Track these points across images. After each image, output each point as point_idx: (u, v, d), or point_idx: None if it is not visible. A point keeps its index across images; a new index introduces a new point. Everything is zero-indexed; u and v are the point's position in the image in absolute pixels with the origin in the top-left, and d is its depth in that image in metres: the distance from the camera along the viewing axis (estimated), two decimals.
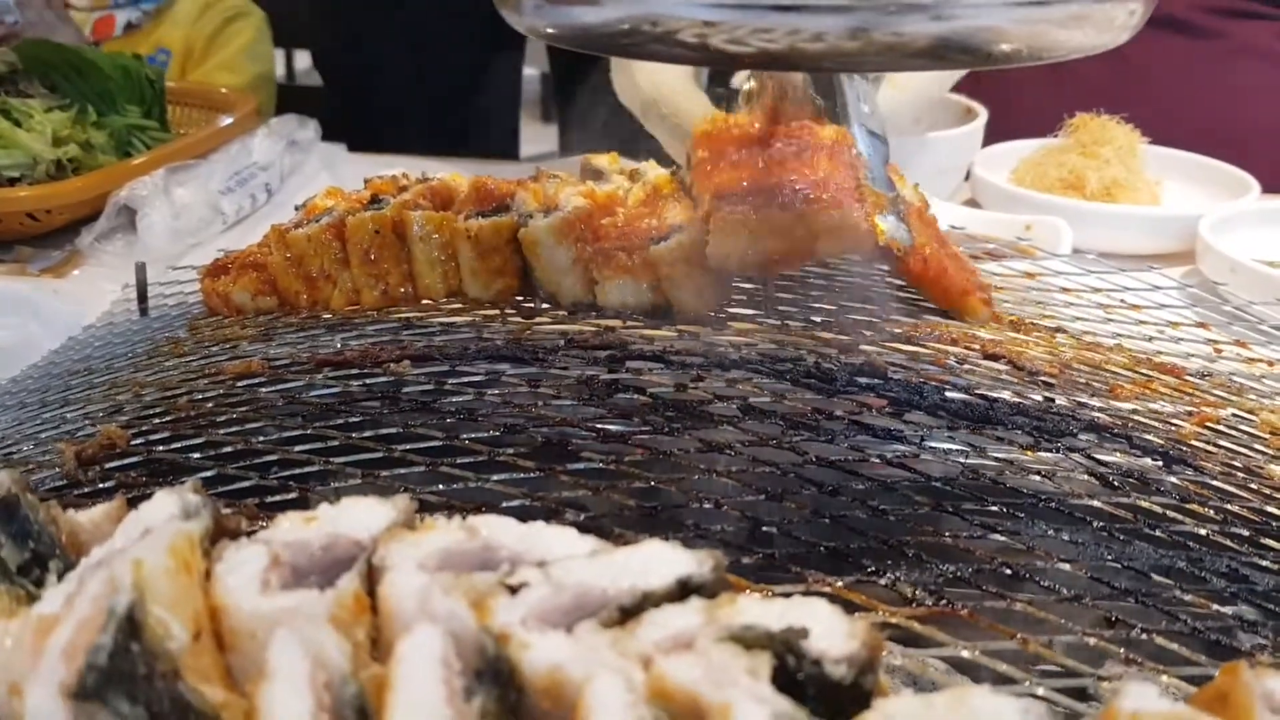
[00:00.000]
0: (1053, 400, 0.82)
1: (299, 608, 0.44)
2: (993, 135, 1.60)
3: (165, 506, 0.51)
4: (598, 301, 0.95)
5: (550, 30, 0.65)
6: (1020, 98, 1.73)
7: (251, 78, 2.17)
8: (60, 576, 0.50)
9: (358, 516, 0.50)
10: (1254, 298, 1.10)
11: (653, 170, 1.06)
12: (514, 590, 0.45)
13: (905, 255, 0.94)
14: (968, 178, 1.58)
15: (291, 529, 0.49)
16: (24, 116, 1.57)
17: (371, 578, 0.47)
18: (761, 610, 0.44)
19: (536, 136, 2.64)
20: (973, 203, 1.53)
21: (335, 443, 0.74)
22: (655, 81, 1.28)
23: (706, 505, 0.68)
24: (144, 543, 0.46)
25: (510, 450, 0.72)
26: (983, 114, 1.59)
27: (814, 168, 0.89)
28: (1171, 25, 1.73)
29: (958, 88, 1.62)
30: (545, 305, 0.98)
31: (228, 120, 1.73)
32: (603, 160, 1.11)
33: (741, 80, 1.11)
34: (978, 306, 0.97)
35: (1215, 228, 1.30)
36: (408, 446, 0.73)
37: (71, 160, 1.55)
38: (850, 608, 0.56)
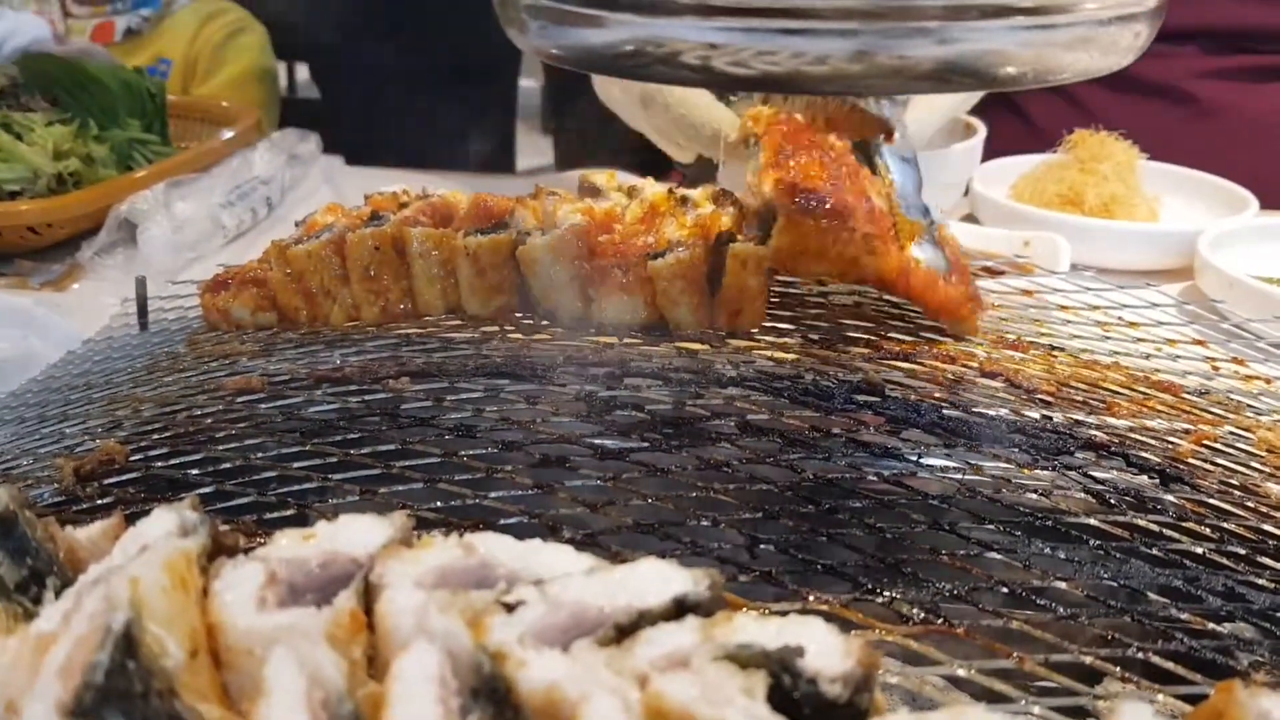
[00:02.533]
0: (1050, 418, 0.82)
1: (296, 625, 0.45)
2: (992, 151, 1.61)
3: (163, 523, 0.51)
4: (595, 318, 0.96)
5: (555, 51, 0.65)
6: (1019, 114, 1.74)
7: (258, 97, 2.19)
8: (58, 593, 0.50)
9: (355, 534, 0.51)
10: (1252, 314, 1.11)
11: (650, 187, 1.07)
12: (511, 608, 0.45)
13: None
14: (967, 193, 1.58)
15: (289, 546, 0.50)
16: (25, 130, 1.58)
17: (369, 595, 0.47)
18: (758, 629, 0.45)
19: (537, 148, 2.65)
20: (972, 218, 1.54)
21: (334, 459, 0.74)
22: None
23: (704, 522, 0.68)
24: (141, 560, 0.46)
25: (508, 467, 0.73)
26: (982, 130, 1.60)
27: (863, 192, 0.91)
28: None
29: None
30: (544, 322, 0.98)
31: (229, 134, 1.74)
32: (600, 177, 1.11)
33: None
34: (969, 318, 0.97)
35: (1214, 244, 1.30)
36: (406, 463, 0.73)
37: (73, 174, 1.55)
38: (847, 626, 0.56)
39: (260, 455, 0.75)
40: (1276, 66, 1.79)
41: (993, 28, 0.57)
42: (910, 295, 0.97)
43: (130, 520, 0.54)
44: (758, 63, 0.57)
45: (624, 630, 0.45)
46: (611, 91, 1.40)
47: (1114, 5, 0.61)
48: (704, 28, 0.57)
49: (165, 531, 0.50)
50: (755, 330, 0.96)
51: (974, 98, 1.54)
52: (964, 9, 0.56)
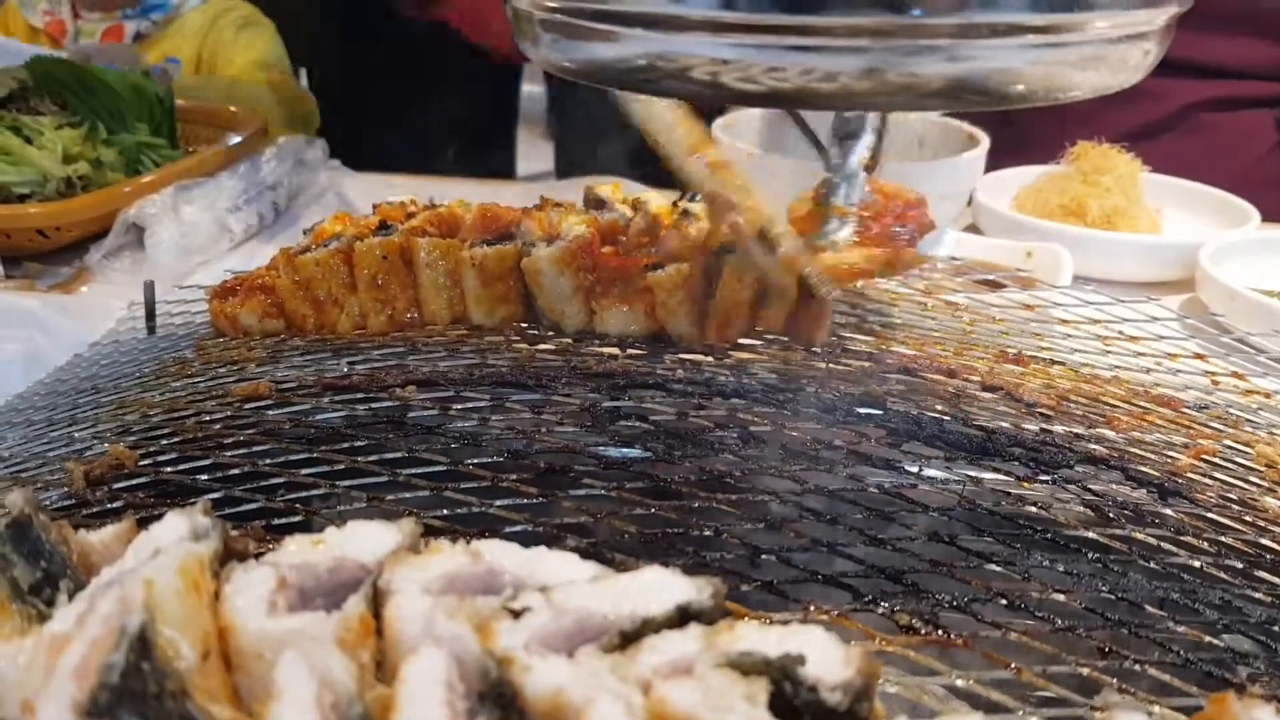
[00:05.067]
0: (1050, 432, 0.83)
1: (306, 629, 0.45)
2: (995, 162, 1.62)
3: (175, 528, 0.52)
4: (598, 329, 0.97)
5: (567, 65, 0.66)
6: (1022, 125, 1.75)
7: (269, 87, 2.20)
8: (71, 596, 0.51)
9: (364, 540, 0.51)
10: (1253, 328, 1.11)
11: (655, 200, 1.08)
12: (517, 614, 0.46)
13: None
14: (970, 204, 1.59)
15: (299, 552, 0.50)
16: (35, 134, 1.59)
17: (377, 601, 0.48)
18: (759, 637, 0.45)
19: (543, 154, 2.65)
20: (974, 229, 1.54)
21: (341, 466, 0.75)
22: None
23: (706, 532, 0.69)
24: (154, 564, 0.47)
25: (513, 475, 0.73)
26: (985, 141, 1.60)
27: None
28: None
29: (961, 114, 1.63)
30: (549, 332, 0.99)
31: (236, 139, 1.75)
32: (606, 189, 1.12)
33: None
34: (896, 261, 0.96)
35: (1215, 256, 1.31)
36: (412, 471, 0.74)
37: (81, 178, 1.56)
38: (847, 635, 0.57)
39: (268, 461, 0.76)
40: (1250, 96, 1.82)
41: (1004, 46, 0.58)
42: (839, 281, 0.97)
43: (141, 524, 0.55)
44: (766, 78, 0.58)
45: (628, 637, 0.46)
46: None
47: (1124, 24, 0.62)
48: (716, 44, 0.58)
49: (177, 536, 0.51)
50: (758, 343, 0.96)
51: None
52: (975, 27, 0.56)
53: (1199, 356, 1.02)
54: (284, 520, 0.69)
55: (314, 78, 2.53)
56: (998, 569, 0.67)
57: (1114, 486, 0.76)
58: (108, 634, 0.43)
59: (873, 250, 0.94)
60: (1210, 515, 0.74)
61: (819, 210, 0.92)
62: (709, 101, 0.62)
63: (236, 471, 0.75)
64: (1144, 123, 1.71)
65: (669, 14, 0.59)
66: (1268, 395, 0.96)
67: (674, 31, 0.59)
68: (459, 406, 0.83)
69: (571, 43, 0.65)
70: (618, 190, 1.11)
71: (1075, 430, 0.84)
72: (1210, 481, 0.79)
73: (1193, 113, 1.85)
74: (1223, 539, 0.71)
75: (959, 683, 0.57)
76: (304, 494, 0.73)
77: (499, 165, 2.38)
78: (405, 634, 0.46)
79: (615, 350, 0.94)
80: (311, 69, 2.53)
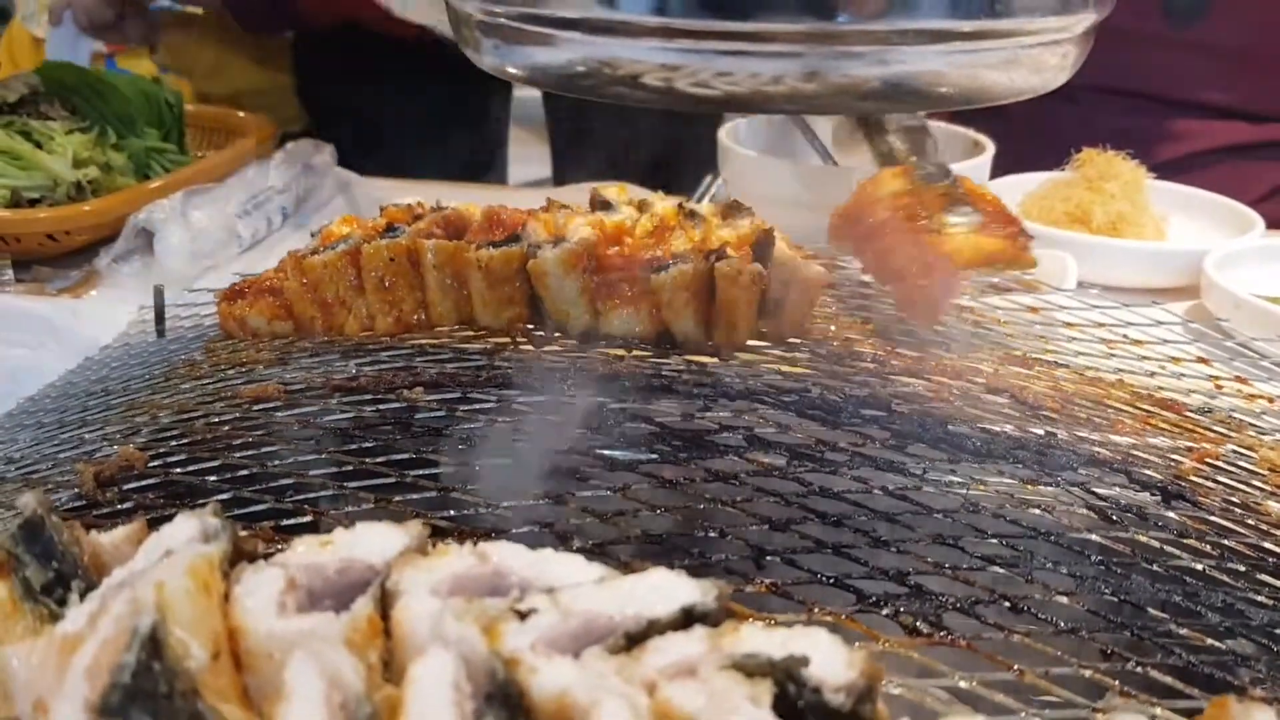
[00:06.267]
0: (1054, 434, 0.83)
1: (315, 630, 0.46)
2: (1000, 168, 1.62)
3: (185, 529, 0.52)
4: (604, 330, 0.97)
5: (511, 70, 0.66)
6: (1027, 131, 1.75)
7: (269, 80, 2.20)
8: (82, 596, 0.51)
9: (372, 541, 0.52)
10: (1256, 334, 1.12)
11: (660, 202, 1.08)
12: (523, 616, 0.46)
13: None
14: None
15: (307, 553, 0.51)
16: (45, 138, 1.60)
17: (385, 602, 0.49)
18: (764, 639, 0.46)
19: (542, 157, 2.65)
20: None
21: (349, 467, 0.75)
22: None
23: (711, 534, 0.69)
24: (165, 565, 0.48)
25: (520, 477, 0.74)
26: (990, 147, 1.61)
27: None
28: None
29: (965, 120, 1.63)
30: (555, 334, 0.99)
31: (244, 144, 1.76)
32: (611, 191, 1.12)
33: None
34: (1019, 255, 0.99)
35: (1219, 264, 1.31)
36: (420, 472, 0.75)
37: (91, 182, 1.57)
38: (851, 637, 0.57)
39: (277, 463, 0.76)
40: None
41: (923, 49, 0.59)
42: (957, 263, 0.98)
43: (152, 525, 0.55)
44: (720, 83, 0.59)
45: (633, 639, 0.46)
46: None
47: (1040, 31, 0.63)
48: (649, 48, 0.58)
49: (188, 537, 0.52)
50: (764, 345, 0.97)
51: None
52: (901, 33, 0.58)
53: (1203, 361, 1.03)
54: (293, 521, 0.70)
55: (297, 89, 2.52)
56: (1001, 571, 0.67)
57: (1118, 489, 0.77)
58: (119, 634, 0.43)
59: (996, 242, 0.96)
60: (1213, 519, 0.75)
61: (932, 193, 0.94)
62: (670, 108, 0.62)
63: (245, 472, 0.76)
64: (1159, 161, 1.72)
65: (601, 19, 0.59)
66: (1271, 400, 0.96)
67: (611, 36, 0.60)
68: (466, 408, 0.83)
69: (511, 48, 0.65)
70: (624, 192, 1.11)
71: (1079, 433, 0.84)
72: (1213, 485, 0.79)
73: (1199, 159, 1.86)
74: (1226, 542, 0.72)
75: (962, 684, 0.57)
76: (312, 495, 0.73)
77: (488, 171, 2.38)
78: (413, 635, 0.46)
79: (621, 352, 0.95)
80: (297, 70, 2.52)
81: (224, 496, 0.72)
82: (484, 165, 2.37)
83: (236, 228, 1.51)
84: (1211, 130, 1.85)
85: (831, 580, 0.65)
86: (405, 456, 0.77)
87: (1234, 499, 0.78)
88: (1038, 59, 0.63)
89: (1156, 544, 0.71)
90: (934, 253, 0.95)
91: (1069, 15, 0.63)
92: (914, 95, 0.61)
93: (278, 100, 2.20)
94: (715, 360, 0.93)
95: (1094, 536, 0.71)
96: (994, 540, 0.70)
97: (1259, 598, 0.67)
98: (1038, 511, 0.74)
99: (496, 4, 0.63)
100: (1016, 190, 1.61)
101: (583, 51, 0.61)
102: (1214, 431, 0.88)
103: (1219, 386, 0.98)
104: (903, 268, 0.97)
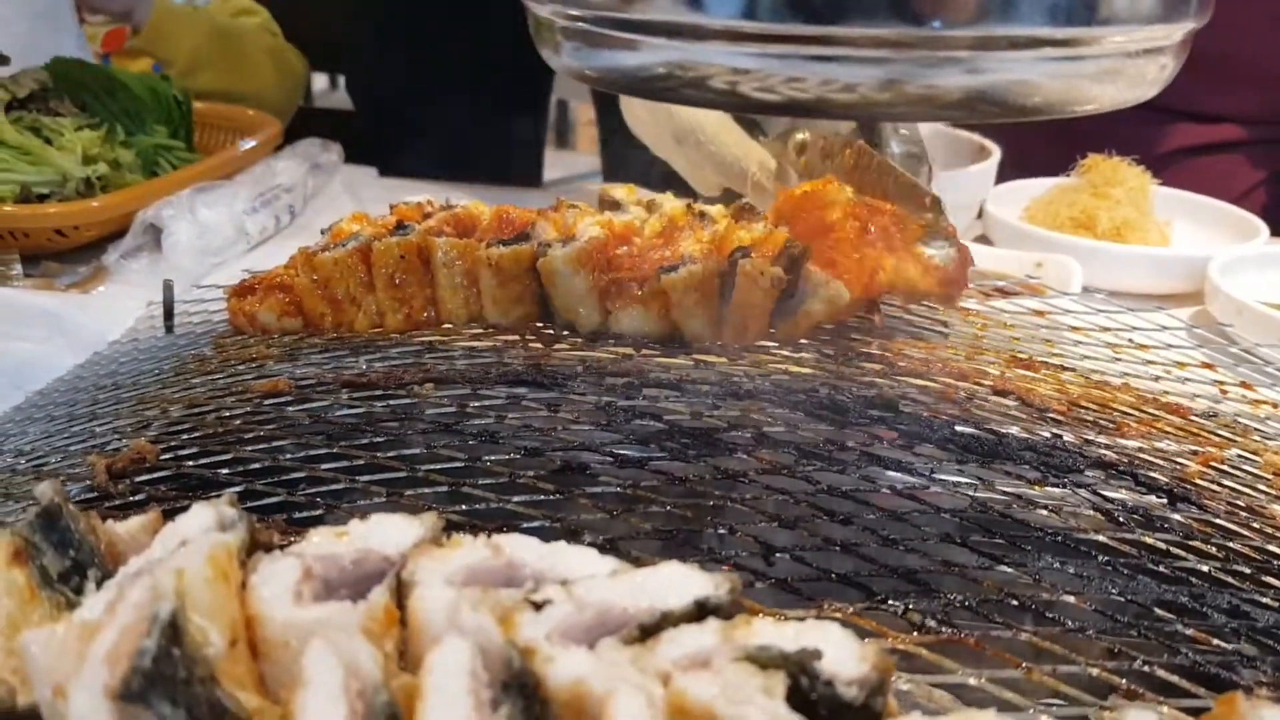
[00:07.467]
0: (1060, 437, 0.84)
1: (332, 619, 0.46)
2: (1005, 173, 1.62)
3: (202, 519, 0.53)
4: (613, 329, 0.97)
5: (588, 72, 0.67)
6: (1033, 137, 1.76)
7: (269, 71, 2.20)
8: (99, 584, 0.52)
9: (387, 533, 0.52)
10: (1260, 339, 1.12)
11: (669, 202, 1.08)
12: (538, 607, 0.47)
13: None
14: (980, 215, 1.60)
15: (323, 543, 0.51)
16: (55, 134, 1.61)
17: (400, 592, 0.49)
18: (776, 632, 0.46)
19: (555, 162, 2.67)
20: (985, 239, 1.55)
21: (360, 461, 0.76)
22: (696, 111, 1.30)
23: (721, 531, 0.69)
24: (184, 553, 0.48)
25: (530, 473, 0.74)
26: (996, 152, 1.61)
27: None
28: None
29: (971, 125, 1.64)
30: (564, 332, 0.99)
31: (253, 142, 1.76)
32: (620, 191, 1.13)
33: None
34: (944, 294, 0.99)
35: (1224, 270, 1.32)
36: (431, 467, 0.75)
37: (100, 178, 1.58)
38: (861, 633, 0.57)
39: (288, 456, 0.77)
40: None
41: (1022, 59, 0.58)
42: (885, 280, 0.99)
43: (166, 516, 0.56)
44: (784, 88, 0.59)
45: (647, 630, 0.47)
46: (641, 122, 1.41)
47: (1141, 39, 0.62)
48: (736, 53, 0.58)
49: (204, 526, 0.52)
50: (773, 345, 0.97)
51: None
52: (994, 40, 0.57)
53: (1207, 366, 1.03)
54: (305, 514, 0.70)
55: (348, 85, 2.53)
56: (1009, 570, 0.68)
57: (1124, 492, 0.77)
58: (139, 620, 0.44)
59: (930, 285, 0.99)
60: (1218, 521, 0.75)
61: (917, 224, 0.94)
62: (727, 110, 0.63)
63: (257, 466, 0.76)
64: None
65: (691, 23, 0.60)
66: (1275, 405, 0.96)
67: (695, 40, 0.60)
68: (476, 404, 0.83)
69: (593, 50, 0.65)
70: (633, 192, 1.12)
71: (1086, 435, 0.84)
72: (1218, 488, 0.80)
73: (1182, 156, 1.87)
74: (1231, 545, 0.72)
75: (970, 681, 0.58)
76: (324, 488, 0.73)
77: (526, 174, 2.38)
78: (429, 624, 0.47)
79: (630, 350, 0.95)
80: (346, 76, 2.53)
81: (236, 489, 0.72)
82: (522, 168, 2.38)
83: (244, 225, 1.52)
84: (1192, 130, 1.86)
85: (840, 577, 0.66)
86: (416, 451, 0.77)
87: (1239, 502, 0.78)
88: (1139, 69, 0.63)
89: (1163, 546, 0.71)
90: (872, 265, 0.96)
91: (1170, 23, 0.62)
92: (999, 106, 0.61)
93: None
94: (724, 359, 0.94)
95: (1101, 537, 0.71)
96: (1002, 540, 0.70)
97: (1264, 599, 0.67)
98: (1045, 512, 0.74)
99: (581, 8, 0.64)
100: (1022, 195, 1.62)
101: (667, 55, 0.61)
102: (1219, 436, 0.88)
103: (1224, 391, 0.98)
104: (839, 266, 0.97)
